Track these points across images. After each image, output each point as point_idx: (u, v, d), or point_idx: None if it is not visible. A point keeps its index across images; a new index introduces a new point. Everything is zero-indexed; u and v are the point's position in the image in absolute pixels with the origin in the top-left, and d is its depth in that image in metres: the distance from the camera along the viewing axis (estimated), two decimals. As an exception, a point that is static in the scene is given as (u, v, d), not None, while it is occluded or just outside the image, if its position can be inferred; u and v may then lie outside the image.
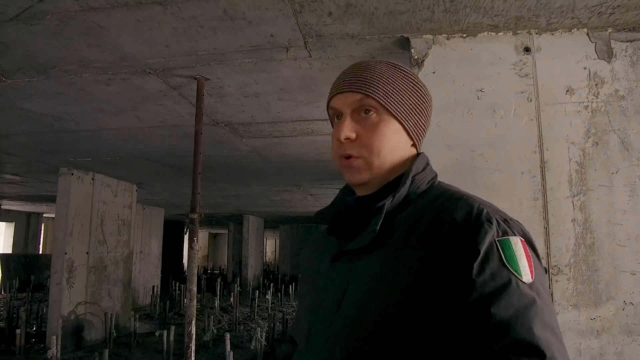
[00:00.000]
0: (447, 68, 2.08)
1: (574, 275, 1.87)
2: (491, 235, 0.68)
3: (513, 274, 0.66)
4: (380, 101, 0.80)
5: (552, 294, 1.86)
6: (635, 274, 1.85)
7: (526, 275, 0.66)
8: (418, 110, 0.84)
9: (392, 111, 0.81)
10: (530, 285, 0.66)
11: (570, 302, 1.85)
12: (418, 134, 0.85)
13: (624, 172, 1.92)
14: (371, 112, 0.81)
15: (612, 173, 1.92)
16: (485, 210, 0.71)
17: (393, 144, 0.81)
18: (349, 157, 0.81)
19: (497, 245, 0.67)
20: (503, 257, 0.67)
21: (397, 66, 0.85)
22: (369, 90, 0.80)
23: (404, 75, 0.84)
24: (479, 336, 0.63)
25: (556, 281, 1.87)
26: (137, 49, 2.36)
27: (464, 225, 0.69)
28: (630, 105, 1.96)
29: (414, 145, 0.86)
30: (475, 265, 0.65)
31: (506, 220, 0.72)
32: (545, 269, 1.88)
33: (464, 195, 0.77)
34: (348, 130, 0.80)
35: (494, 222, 0.69)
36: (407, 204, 0.79)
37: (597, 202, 1.91)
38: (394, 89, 0.81)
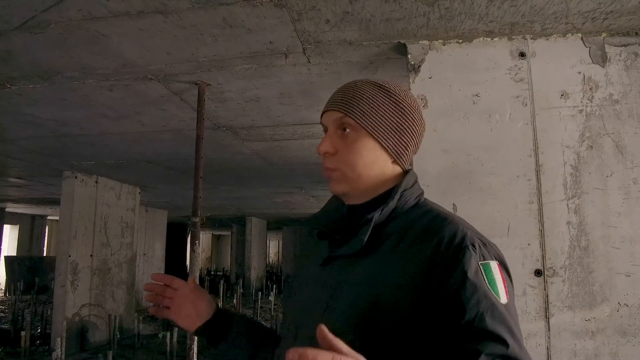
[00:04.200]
0: (444, 73, 2.11)
1: (569, 277, 1.89)
2: (475, 259, 0.75)
3: (495, 295, 0.73)
4: (357, 120, 0.85)
5: (547, 296, 1.89)
6: (629, 276, 1.87)
7: (503, 298, 0.74)
8: (399, 130, 0.88)
9: (368, 130, 0.86)
10: (506, 306, 0.73)
11: (565, 303, 1.88)
12: (399, 152, 0.89)
13: (618, 175, 1.94)
14: (348, 130, 0.87)
15: (607, 176, 1.95)
16: (468, 234, 0.78)
17: (369, 160, 0.86)
18: (328, 169, 0.88)
19: (481, 269, 0.74)
20: (486, 280, 0.74)
21: (383, 87, 0.89)
22: (348, 110, 0.86)
23: (388, 95, 0.88)
24: (471, 345, 0.69)
25: (551, 283, 1.89)
26: (139, 56, 2.41)
27: (450, 243, 0.76)
28: (624, 109, 1.98)
29: (394, 162, 0.89)
30: (468, 286, 0.72)
31: (485, 244, 0.79)
32: (541, 271, 1.91)
33: (449, 215, 0.84)
34: (327, 145, 0.87)
35: (477, 246, 0.77)
36: (395, 216, 0.85)
37: (592, 204, 1.94)
38: (373, 109, 0.86)
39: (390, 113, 0.87)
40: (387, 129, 0.87)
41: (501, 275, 0.76)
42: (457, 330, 0.70)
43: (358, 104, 0.86)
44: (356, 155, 0.86)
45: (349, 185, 0.87)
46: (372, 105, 0.86)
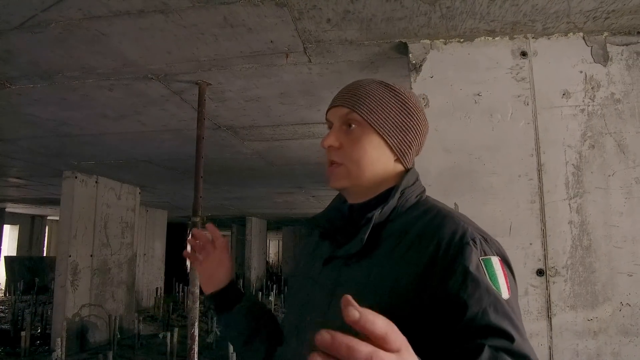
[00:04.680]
0: (445, 73, 2.11)
1: (571, 277, 1.89)
2: (476, 255, 0.74)
3: (496, 290, 0.72)
4: (364, 116, 0.86)
5: (549, 296, 1.88)
6: (631, 275, 1.87)
7: (504, 293, 0.73)
8: (404, 128, 0.88)
9: (374, 127, 0.86)
10: (508, 302, 0.72)
11: (567, 303, 1.87)
12: (402, 150, 0.89)
13: (620, 174, 1.94)
14: (354, 126, 0.87)
15: (609, 175, 1.94)
16: (469, 230, 0.77)
17: (373, 157, 0.86)
18: (332, 163, 0.88)
19: (482, 265, 0.73)
20: (487, 275, 0.73)
21: (389, 86, 0.90)
22: (355, 106, 0.86)
23: (394, 94, 0.89)
24: (475, 340, 0.67)
25: (553, 283, 1.89)
26: (140, 56, 2.40)
27: (450, 242, 0.75)
28: (626, 109, 1.98)
29: (397, 160, 0.89)
30: (469, 282, 0.71)
31: (486, 240, 0.78)
32: (543, 270, 1.90)
33: (450, 212, 0.83)
34: (331, 139, 0.88)
35: (478, 242, 0.76)
36: (396, 216, 0.85)
37: (594, 204, 1.93)
38: (380, 106, 0.87)
39: (396, 111, 0.88)
40: (392, 126, 0.87)
41: (503, 270, 0.75)
42: (461, 327, 0.69)
43: (365, 100, 0.87)
44: (361, 150, 0.86)
45: (350, 181, 0.87)
46: (378, 103, 0.87)
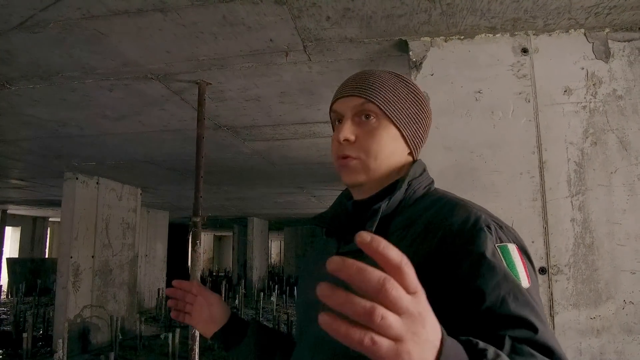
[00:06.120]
0: (445, 70, 2.10)
1: (573, 275, 1.88)
2: (492, 241, 0.69)
3: (515, 278, 0.67)
4: (381, 107, 0.81)
5: (551, 294, 1.87)
6: (635, 273, 1.85)
7: (524, 281, 0.68)
8: (417, 120, 0.85)
9: (392, 118, 0.82)
10: (528, 290, 0.67)
11: (570, 301, 1.86)
12: (415, 142, 0.86)
13: (623, 171, 1.92)
14: (371, 117, 0.82)
15: (611, 173, 1.93)
16: (482, 216, 0.72)
17: (390, 150, 0.83)
18: (346, 157, 0.83)
19: (498, 252, 0.68)
20: (505, 262, 0.68)
21: (400, 76, 0.87)
22: (371, 96, 0.82)
23: (406, 85, 0.86)
24: (494, 332, 0.62)
25: (556, 281, 1.87)
26: (139, 55, 2.39)
27: (462, 229, 0.71)
28: (628, 105, 1.97)
29: (410, 153, 0.87)
30: (486, 269, 0.66)
31: (501, 227, 0.73)
32: (545, 268, 1.89)
33: (462, 200, 0.78)
34: (348, 132, 0.82)
35: (493, 228, 0.71)
36: (403, 208, 0.81)
37: (596, 201, 1.92)
38: (395, 97, 0.83)
39: (410, 103, 0.84)
40: (408, 118, 0.84)
41: (521, 259, 0.70)
42: (478, 318, 0.63)
43: (381, 90, 0.82)
44: (379, 143, 0.81)
45: (367, 175, 0.82)
46: (394, 94, 0.83)
